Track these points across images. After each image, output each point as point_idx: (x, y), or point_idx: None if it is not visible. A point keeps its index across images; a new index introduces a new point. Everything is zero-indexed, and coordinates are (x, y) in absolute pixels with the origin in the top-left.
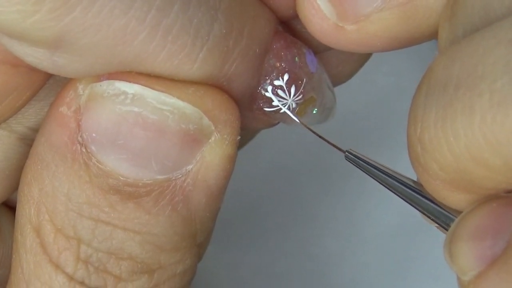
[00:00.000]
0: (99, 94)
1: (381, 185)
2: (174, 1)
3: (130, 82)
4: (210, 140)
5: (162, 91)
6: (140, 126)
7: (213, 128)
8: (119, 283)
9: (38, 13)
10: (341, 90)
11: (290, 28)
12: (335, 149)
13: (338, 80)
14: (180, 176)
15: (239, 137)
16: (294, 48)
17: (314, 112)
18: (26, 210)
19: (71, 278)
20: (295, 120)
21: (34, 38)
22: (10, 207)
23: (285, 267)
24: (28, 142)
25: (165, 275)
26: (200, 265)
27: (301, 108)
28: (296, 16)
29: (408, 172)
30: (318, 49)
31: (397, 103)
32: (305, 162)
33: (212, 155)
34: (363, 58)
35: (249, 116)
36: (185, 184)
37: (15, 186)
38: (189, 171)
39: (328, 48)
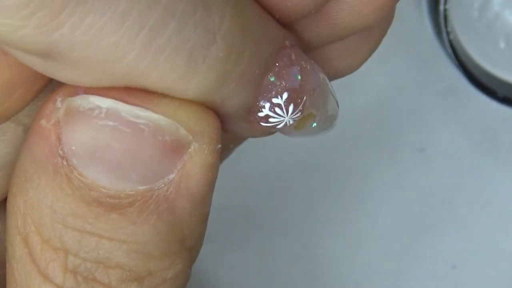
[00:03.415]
0: (75, 108)
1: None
2: (168, 22)
3: (103, 96)
4: (189, 150)
5: (135, 105)
6: (116, 140)
7: (191, 137)
8: None
9: (26, 28)
10: (340, 90)
11: (297, 25)
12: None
13: (346, 72)
14: (163, 185)
15: (219, 146)
16: (297, 66)
17: (314, 126)
18: (14, 221)
19: None
20: (293, 133)
21: (23, 49)
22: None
23: (286, 267)
24: None
25: (155, 281)
26: (199, 266)
27: (299, 123)
28: (309, 14)
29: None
30: (328, 40)
31: (397, 103)
32: (306, 163)
33: (192, 164)
34: (372, 47)
35: (246, 126)
36: (168, 192)
37: None
38: (171, 180)
39: (338, 38)
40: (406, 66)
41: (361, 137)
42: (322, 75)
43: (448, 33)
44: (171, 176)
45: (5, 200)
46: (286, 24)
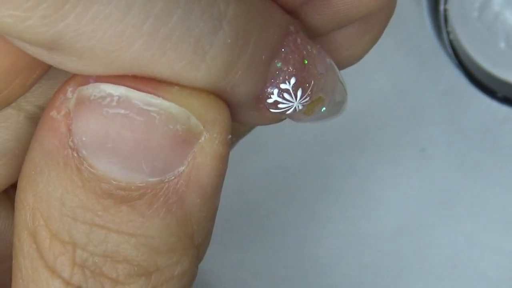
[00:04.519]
0: (86, 97)
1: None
2: (173, 10)
3: (115, 84)
4: (200, 141)
5: (147, 92)
6: (128, 128)
7: (202, 127)
8: (116, 286)
9: (30, 19)
10: None
11: (299, 11)
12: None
13: (349, 62)
14: (173, 178)
15: (229, 136)
16: (303, 51)
17: (323, 110)
18: (22, 216)
19: (68, 283)
20: (303, 118)
21: (29, 40)
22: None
23: (286, 267)
24: (37, 121)
25: (162, 277)
26: (201, 265)
27: (308, 108)
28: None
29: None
30: (330, 27)
31: (397, 103)
32: (306, 162)
33: (203, 155)
34: (374, 37)
35: (256, 115)
36: (178, 185)
37: None
38: (181, 172)
39: (340, 25)
40: (406, 66)
41: (361, 137)
42: (329, 60)
43: (448, 33)
44: (182, 168)
45: (5, 191)
46: (288, 10)
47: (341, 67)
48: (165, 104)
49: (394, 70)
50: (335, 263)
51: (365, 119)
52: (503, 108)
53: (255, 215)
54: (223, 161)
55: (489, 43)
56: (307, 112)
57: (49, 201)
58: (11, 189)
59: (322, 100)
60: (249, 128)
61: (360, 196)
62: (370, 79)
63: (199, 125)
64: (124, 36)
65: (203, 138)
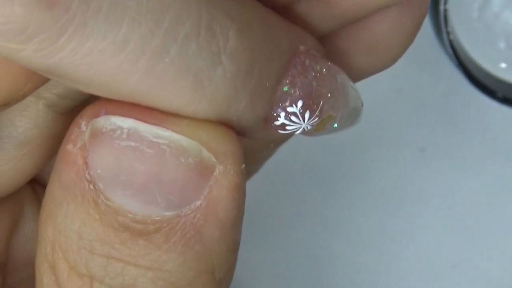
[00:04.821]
0: (99, 130)
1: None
2: (170, 46)
3: (124, 116)
4: (215, 174)
5: (155, 124)
6: (139, 161)
7: (214, 160)
8: None
9: (24, 51)
10: None
11: (303, 4)
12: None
13: (376, 69)
14: (190, 212)
15: (244, 165)
16: (312, 72)
17: (334, 126)
18: (43, 249)
19: None
20: (315, 134)
21: (27, 66)
22: (42, 184)
23: (287, 268)
24: (56, 109)
25: None
26: None
27: (318, 126)
28: None
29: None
30: (339, 21)
31: (397, 103)
32: (307, 163)
33: (219, 188)
34: (407, 39)
35: (266, 134)
36: (195, 220)
37: (49, 155)
38: (198, 206)
39: (350, 19)
40: (406, 66)
41: (361, 137)
42: (339, 76)
43: (448, 33)
44: (198, 202)
45: (34, 190)
46: (291, 2)
47: (367, 75)
48: (175, 136)
49: (394, 70)
50: (335, 263)
51: (365, 119)
52: (503, 108)
53: (255, 216)
54: (240, 192)
55: (489, 43)
56: (318, 129)
57: (67, 234)
58: (41, 188)
59: (333, 117)
60: (282, 141)
61: (360, 196)
62: (369, 79)
63: (211, 157)
64: (120, 70)
65: (217, 171)
